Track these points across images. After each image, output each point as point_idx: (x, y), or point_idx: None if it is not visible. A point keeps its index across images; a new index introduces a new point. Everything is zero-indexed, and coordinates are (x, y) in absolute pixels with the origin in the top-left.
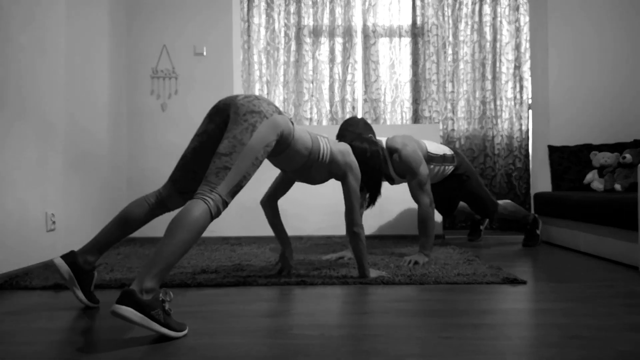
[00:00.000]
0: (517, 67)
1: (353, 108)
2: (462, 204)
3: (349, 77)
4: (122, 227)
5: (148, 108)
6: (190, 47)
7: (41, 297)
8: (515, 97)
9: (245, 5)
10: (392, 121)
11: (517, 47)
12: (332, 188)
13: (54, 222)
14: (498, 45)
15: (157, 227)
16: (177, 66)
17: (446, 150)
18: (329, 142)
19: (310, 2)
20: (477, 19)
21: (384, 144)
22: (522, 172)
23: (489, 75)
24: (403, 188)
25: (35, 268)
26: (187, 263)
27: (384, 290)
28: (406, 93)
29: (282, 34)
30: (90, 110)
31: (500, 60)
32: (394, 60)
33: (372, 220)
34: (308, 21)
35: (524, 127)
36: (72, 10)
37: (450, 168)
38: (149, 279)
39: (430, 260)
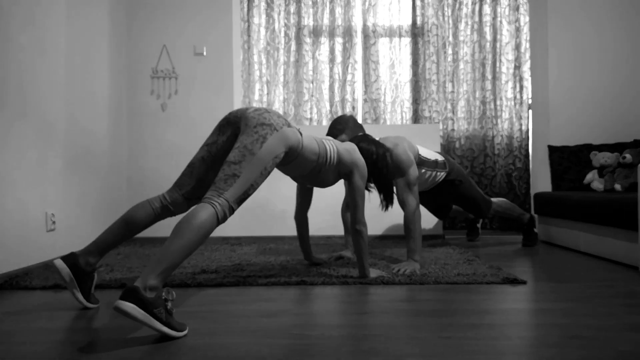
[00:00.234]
0: (517, 67)
1: (353, 108)
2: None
3: (349, 77)
4: (125, 229)
5: (148, 108)
6: (190, 47)
7: (41, 297)
8: (515, 97)
9: (245, 5)
10: (392, 121)
11: (517, 47)
12: (332, 189)
13: (54, 222)
14: (498, 45)
15: (158, 228)
16: (177, 66)
17: (438, 157)
18: (334, 143)
19: (310, 2)
20: (477, 19)
21: None
22: (522, 172)
23: (489, 75)
24: None
25: (35, 268)
26: (187, 263)
27: (384, 290)
28: (406, 93)
29: (282, 34)
30: (90, 110)
31: (500, 60)
32: (394, 60)
33: (373, 220)
34: (308, 21)
35: (524, 127)
36: (72, 10)
37: (442, 175)
38: (153, 277)
39: (423, 264)
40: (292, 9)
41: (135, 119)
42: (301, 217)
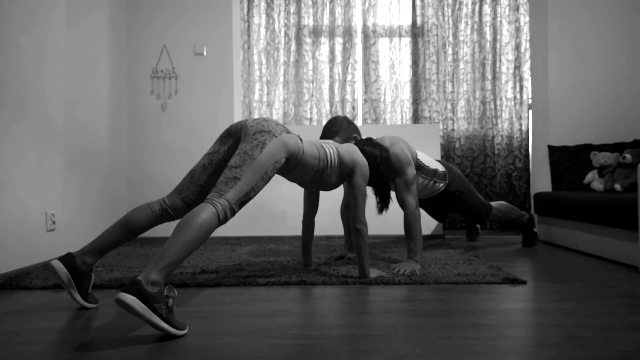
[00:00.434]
0: (517, 67)
1: (353, 108)
2: None
3: (349, 77)
4: (124, 231)
5: (148, 108)
6: (190, 47)
7: (41, 297)
8: (515, 97)
9: (245, 5)
10: (392, 121)
11: (517, 47)
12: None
13: (53, 222)
14: (498, 45)
15: (158, 228)
16: (177, 66)
17: (439, 167)
18: (334, 145)
19: (310, 2)
20: (477, 19)
21: None
22: (522, 172)
23: (489, 75)
24: None
25: (35, 268)
26: (187, 263)
27: (384, 290)
28: (406, 93)
29: (282, 34)
30: (90, 110)
31: (500, 60)
32: (394, 60)
33: (373, 220)
34: (308, 21)
35: (524, 127)
36: (73, 10)
37: (441, 186)
38: (156, 272)
39: (423, 264)
40: (292, 9)
41: (135, 119)
42: (309, 222)
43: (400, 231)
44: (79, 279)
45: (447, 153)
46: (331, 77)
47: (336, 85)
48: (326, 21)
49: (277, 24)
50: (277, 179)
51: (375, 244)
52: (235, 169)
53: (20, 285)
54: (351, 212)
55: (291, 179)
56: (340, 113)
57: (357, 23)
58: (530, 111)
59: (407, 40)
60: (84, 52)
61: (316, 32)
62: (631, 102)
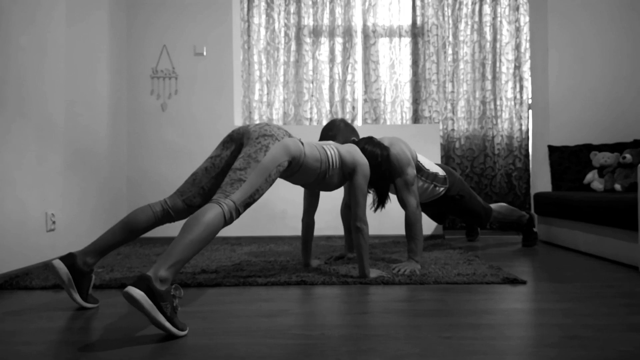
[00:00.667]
0: (517, 67)
1: (353, 108)
2: None
3: (349, 77)
4: (125, 232)
5: (148, 108)
6: (190, 47)
7: (41, 297)
8: (515, 97)
9: (245, 5)
10: (392, 121)
11: (517, 47)
12: None
13: (54, 222)
14: (498, 45)
15: (158, 229)
16: (177, 66)
17: (439, 171)
18: (335, 146)
19: (310, 2)
20: (477, 19)
21: None
22: (522, 172)
23: (489, 75)
24: None
25: (35, 268)
26: (187, 263)
27: (384, 290)
28: (406, 93)
29: (282, 34)
30: (90, 110)
31: (500, 60)
32: (394, 60)
33: (373, 220)
34: (308, 21)
35: (524, 127)
36: (73, 10)
37: (441, 190)
38: (164, 269)
39: (423, 264)
40: (292, 9)
41: (135, 119)
42: (309, 220)
43: (400, 231)
44: (79, 279)
45: (447, 153)
46: (331, 77)
47: (336, 85)
48: (326, 21)
49: (277, 24)
50: (277, 180)
51: (375, 244)
52: (240, 171)
53: (20, 285)
54: (352, 210)
55: (294, 181)
56: (340, 113)
57: (357, 23)
58: (530, 111)
59: (407, 40)
60: (84, 52)
61: (316, 32)
62: (631, 102)
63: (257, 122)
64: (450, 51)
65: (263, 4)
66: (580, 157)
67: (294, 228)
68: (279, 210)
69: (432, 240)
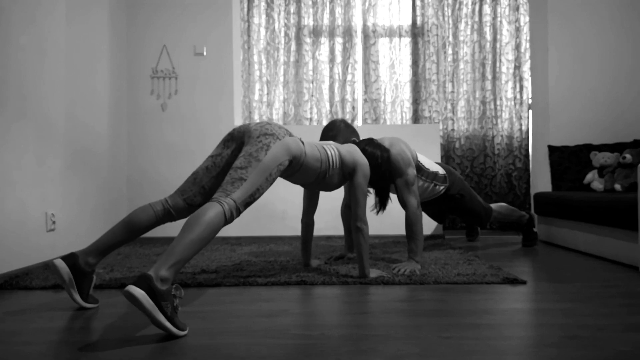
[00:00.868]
0: (517, 67)
1: (353, 108)
2: None
3: (349, 77)
4: (127, 232)
5: (148, 108)
6: (190, 47)
7: (41, 297)
8: (515, 97)
9: (245, 5)
10: (392, 121)
11: (517, 47)
12: None
13: (54, 222)
14: (498, 45)
15: (159, 228)
16: (177, 66)
17: (439, 169)
18: (335, 146)
19: (310, 2)
20: (477, 19)
21: None
22: (522, 172)
23: (489, 75)
24: None
25: (35, 268)
26: (187, 263)
27: (384, 290)
28: (406, 93)
29: (282, 34)
30: (90, 110)
31: (500, 60)
32: (394, 60)
33: (373, 220)
34: (308, 21)
35: (524, 127)
36: (73, 10)
37: (441, 189)
38: (165, 269)
39: (423, 264)
40: (292, 9)
41: (135, 118)
42: (308, 221)
43: (401, 231)
44: (80, 279)
45: (447, 153)
46: (331, 77)
47: (336, 85)
48: (326, 21)
49: (277, 24)
50: (278, 179)
51: (375, 244)
52: (240, 170)
53: (20, 285)
54: (352, 210)
55: (294, 181)
56: (340, 113)
57: (357, 23)
58: (530, 111)
59: (407, 40)
60: (84, 52)
61: (316, 32)
62: (631, 102)
63: (258, 121)
64: (450, 51)
65: (263, 4)
66: (580, 157)
67: (294, 228)
68: (279, 210)
69: (432, 240)
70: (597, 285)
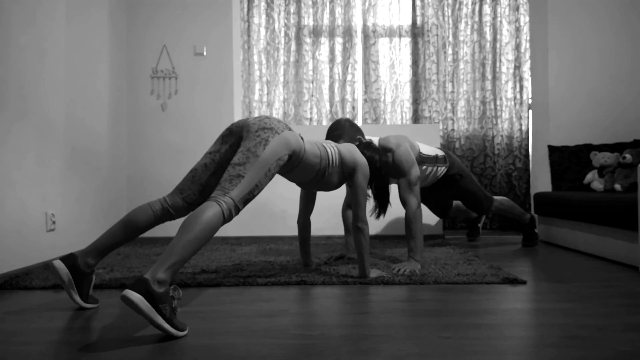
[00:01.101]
0: (517, 67)
1: (353, 108)
2: (457, 203)
3: (349, 77)
4: (126, 232)
5: (148, 108)
6: (190, 47)
7: (41, 297)
8: (515, 97)
9: (245, 5)
10: (392, 121)
11: (517, 47)
12: None
13: (54, 222)
14: (498, 45)
15: (158, 228)
16: (177, 66)
17: (438, 152)
18: (335, 145)
19: (310, 2)
20: (477, 19)
21: (376, 144)
22: (522, 172)
23: (489, 75)
24: None
25: (35, 268)
26: (187, 263)
27: (384, 290)
28: (406, 93)
29: (282, 34)
30: (90, 110)
31: (500, 60)
32: (394, 60)
33: (372, 220)
34: (308, 21)
35: (524, 127)
36: (73, 10)
37: (442, 169)
38: (162, 271)
39: (423, 263)
40: (292, 9)
41: (135, 119)
42: (304, 221)
43: (400, 231)
44: (80, 279)
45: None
46: (331, 77)
47: (336, 85)
48: (326, 21)
49: (277, 24)
50: (277, 178)
51: (375, 244)
52: (239, 166)
53: (20, 285)
54: (352, 211)
55: (292, 178)
56: (340, 113)
57: (357, 23)
58: (530, 111)
59: (407, 40)
60: (84, 51)
61: (316, 32)
62: (631, 102)
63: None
64: (450, 51)
65: (263, 4)
66: (580, 157)
67: (294, 228)
68: (278, 210)
69: (432, 240)
70: (597, 285)
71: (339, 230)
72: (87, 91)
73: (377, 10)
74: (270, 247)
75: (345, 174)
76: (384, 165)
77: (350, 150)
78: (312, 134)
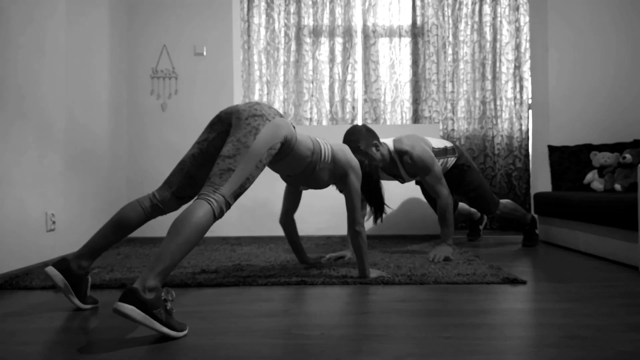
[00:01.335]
0: (517, 67)
1: (353, 108)
2: (461, 205)
3: (349, 77)
4: (116, 231)
5: (148, 108)
6: (190, 47)
7: (41, 297)
8: (515, 97)
9: (245, 5)
10: (392, 121)
11: (517, 47)
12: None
13: (54, 222)
14: (498, 45)
15: (157, 227)
16: (177, 66)
17: (446, 144)
18: (328, 142)
19: (310, 2)
20: (477, 19)
21: (390, 146)
22: (522, 172)
23: (489, 75)
24: (402, 188)
25: (35, 268)
26: (187, 263)
27: (384, 290)
28: (406, 93)
29: (282, 34)
30: (90, 110)
31: (500, 60)
32: (394, 60)
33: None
34: (308, 21)
35: (524, 127)
36: (72, 10)
37: (452, 160)
38: (152, 277)
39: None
40: (292, 9)
41: (135, 119)
42: (287, 221)
43: (400, 231)
44: (75, 283)
45: None
46: (331, 77)
47: (336, 85)
48: (326, 21)
49: (277, 24)
50: (278, 178)
51: (375, 244)
52: (228, 159)
53: (20, 285)
54: (348, 214)
55: (281, 169)
56: (340, 113)
57: (357, 23)
58: (530, 111)
59: (407, 40)
60: (84, 51)
61: (316, 32)
62: (631, 102)
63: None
64: (450, 51)
65: (263, 4)
66: (580, 157)
67: None
68: (278, 210)
69: (432, 241)
70: (597, 285)
71: (339, 230)
72: (87, 91)
73: (377, 10)
74: (270, 247)
75: (336, 175)
76: (374, 170)
77: (343, 149)
78: (312, 134)
